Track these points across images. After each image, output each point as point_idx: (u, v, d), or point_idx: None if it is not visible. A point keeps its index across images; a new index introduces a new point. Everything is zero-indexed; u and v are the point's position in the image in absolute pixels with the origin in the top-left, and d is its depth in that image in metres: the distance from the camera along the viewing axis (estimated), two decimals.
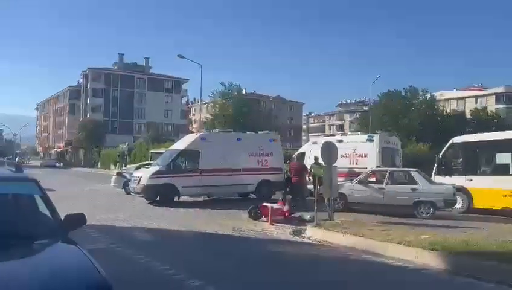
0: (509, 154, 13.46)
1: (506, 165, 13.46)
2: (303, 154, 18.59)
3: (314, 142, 18.80)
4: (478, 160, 14.67)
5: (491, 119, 51.91)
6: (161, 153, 19.42)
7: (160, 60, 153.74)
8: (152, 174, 15.03)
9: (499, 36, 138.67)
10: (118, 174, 20.10)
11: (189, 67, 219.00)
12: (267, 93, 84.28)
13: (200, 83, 54.36)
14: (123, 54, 79.27)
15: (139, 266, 6.69)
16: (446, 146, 15.22)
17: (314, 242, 8.94)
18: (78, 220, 3.85)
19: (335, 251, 8.14)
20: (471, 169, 14.12)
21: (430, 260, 7.05)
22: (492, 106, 68.64)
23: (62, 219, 3.82)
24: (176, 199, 15.24)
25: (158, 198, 15.05)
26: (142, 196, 15.40)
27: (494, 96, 75.03)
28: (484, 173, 14.06)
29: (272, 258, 7.81)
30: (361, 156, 16.14)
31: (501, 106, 71.27)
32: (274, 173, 16.62)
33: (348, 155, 16.12)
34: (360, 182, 13.59)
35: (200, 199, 16.70)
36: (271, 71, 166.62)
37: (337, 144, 15.70)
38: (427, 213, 12.57)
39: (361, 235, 8.59)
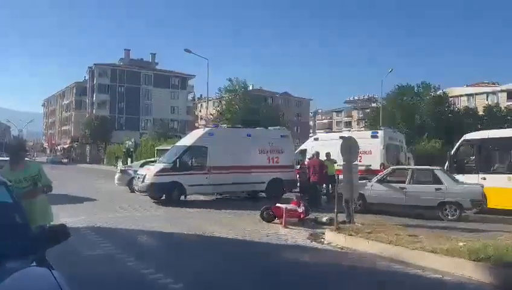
0: None
1: None
2: (304, 151, 18.15)
3: (316, 139, 18.03)
4: (492, 158, 14.10)
5: (505, 116, 50.40)
6: (167, 150, 18.60)
7: (166, 56, 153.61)
8: (157, 172, 14.20)
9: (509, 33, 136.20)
10: (122, 171, 19.30)
11: (196, 64, 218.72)
12: (274, 89, 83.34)
13: (206, 79, 53.03)
14: (129, 50, 78.94)
15: (139, 277, 5.86)
16: (458, 143, 14.65)
17: (335, 249, 8.04)
18: (58, 234, 2.99)
19: (360, 260, 7.23)
20: (484, 167, 13.37)
21: (472, 272, 6.14)
22: (504, 102, 67.05)
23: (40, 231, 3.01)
24: (182, 198, 14.43)
25: (163, 197, 14.23)
26: (147, 195, 14.59)
27: (506, 93, 73.44)
28: (499, 172, 13.30)
29: (290, 267, 6.91)
30: (366, 153, 15.06)
31: None
32: (285, 171, 15.71)
33: None
34: (379, 181, 12.67)
35: (207, 198, 15.89)
36: (278, 68, 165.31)
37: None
38: (453, 215, 11.66)
39: (388, 241, 7.68)
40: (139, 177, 14.64)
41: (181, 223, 10.48)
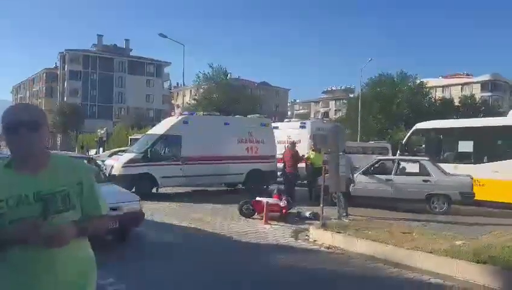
0: (471, 142, 13.10)
1: (469, 154, 12.97)
2: None
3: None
4: (441, 147, 14.18)
5: (479, 107, 51.17)
6: None
7: (141, 42, 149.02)
8: (126, 163, 13.10)
9: (481, 26, 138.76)
10: (90, 161, 17.98)
11: (171, 51, 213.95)
12: (252, 79, 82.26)
13: (182, 65, 51.37)
14: (102, 36, 75.98)
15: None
16: (410, 132, 15.05)
17: (322, 248, 7.26)
18: None
19: (351, 262, 6.47)
20: (433, 156, 13.07)
21: (476, 276, 5.47)
22: (478, 94, 68.15)
23: None
24: (154, 190, 13.41)
25: (133, 190, 13.16)
26: None
27: (480, 85, 74.74)
28: (446, 160, 13.18)
29: (270, 271, 6.09)
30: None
31: (487, 93, 70.99)
32: (265, 162, 14.85)
33: (283, 142, 16.23)
34: (364, 173, 11.98)
35: (182, 190, 14.90)
36: (256, 57, 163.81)
37: (274, 131, 16.25)
38: (441, 208, 11.10)
39: (380, 240, 6.95)
40: (106, 169, 13.51)
41: (150, 220, 9.50)
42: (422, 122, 15.38)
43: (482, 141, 12.88)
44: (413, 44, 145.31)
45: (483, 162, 12.61)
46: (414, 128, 14.97)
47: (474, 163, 12.66)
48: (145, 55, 76.93)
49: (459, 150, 13.57)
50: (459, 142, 13.60)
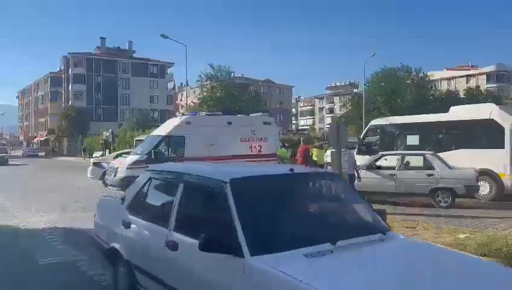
0: (418, 136, 13.98)
1: (416, 147, 13.42)
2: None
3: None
4: (392, 141, 14.92)
5: (485, 98, 50.72)
6: None
7: (144, 43, 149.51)
8: (130, 165, 13.14)
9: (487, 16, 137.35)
10: (95, 164, 18.14)
11: (175, 52, 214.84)
12: (256, 76, 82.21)
13: (185, 65, 51.40)
14: (105, 38, 76.25)
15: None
16: (367, 127, 15.95)
17: None
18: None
19: None
20: (386, 150, 13.60)
21: None
22: (483, 85, 67.58)
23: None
24: None
25: None
26: (120, 190, 13.56)
27: (485, 76, 74.15)
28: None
29: None
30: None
31: (492, 85, 70.42)
32: (269, 160, 14.84)
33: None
34: (368, 168, 11.96)
35: None
36: (260, 54, 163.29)
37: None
38: (446, 202, 11.06)
39: None
40: (111, 171, 13.59)
41: None
42: (376, 119, 16.90)
43: (427, 135, 14.03)
44: (418, 35, 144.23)
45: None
46: (369, 124, 15.93)
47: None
48: (149, 56, 77.18)
49: (407, 144, 14.22)
50: (407, 136, 14.48)
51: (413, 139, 14.07)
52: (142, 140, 22.14)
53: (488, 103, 14.71)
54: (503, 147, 11.94)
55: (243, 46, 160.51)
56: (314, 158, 12.98)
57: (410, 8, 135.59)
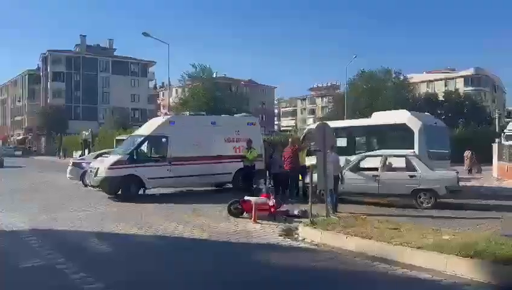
0: (345, 138, 15.18)
1: (343, 148, 14.16)
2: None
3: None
4: None
5: (463, 101, 51.98)
6: None
7: (125, 42, 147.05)
8: (111, 165, 12.91)
9: (465, 19, 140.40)
10: (74, 164, 17.76)
11: (156, 50, 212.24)
12: (238, 76, 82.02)
13: (167, 64, 50.96)
14: (85, 36, 74.81)
15: None
16: (303, 133, 17.01)
17: (311, 246, 7.26)
18: None
19: (341, 260, 6.47)
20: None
21: (466, 271, 5.51)
22: (461, 88, 69.10)
23: None
24: (141, 192, 13.27)
25: (120, 192, 13.01)
26: (101, 190, 13.31)
27: (463, 79, 75.79)
28: None
29: (260, 270, 6.06)
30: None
31: (470, 88, 71.96)
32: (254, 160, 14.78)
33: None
34: (351, 170, 12.03)
35: (169, 191, 14.79)
36: (242, 55, 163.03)
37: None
38: (428, 203, 11.22)
39: (369, 237, 6.99)
40: (91, 171, 13.31)
41: (139, 222, 9.40)
42: (312, 124, 18.52)
43: (354, 138, 15.49)
44: (396, 37, 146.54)
45: (354, 155, 13.81)
46: (306, 129, 17.25)
47: (347, 156, 13.72)
48: (130, 54, 76.15)
49: (337, 146, 14.96)
50: (337, 139, 15.02)
51: (341, 142, 14.86)
52: (123, 139, 21.81)
53: (402, 110, 16.06)
54: (413, 148, 13.22)
55: (227, 46, 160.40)
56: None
57: (393, 11, 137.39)
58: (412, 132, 13.70)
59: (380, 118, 15.24)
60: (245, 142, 14.63)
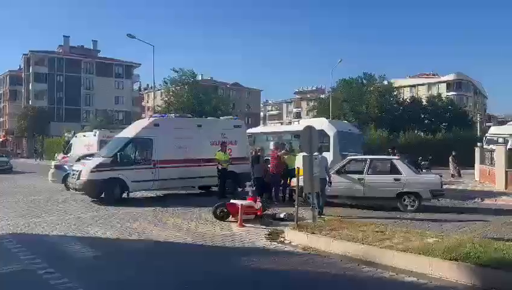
0: (272, 143, 16.40)
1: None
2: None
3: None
4: (262, 147, 16.23)
5: (446, 106, 52.74)
6: None
7: (109, 43, 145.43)
8: (94, 168, 12.66)
9: (447, 25, 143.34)
10: (57, 166, 17.40)
11: (141, 52, 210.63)
12: (224, 79, 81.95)
13: (152, 66, 50.49)
14: (69, 37, 73.69)
15: None
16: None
17: (297, 250, 7.23)
18: None
19: (326, 262, 6.45)
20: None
21: (449, 272, 5.56)
22: (443, 93, 70.25)
23: None
24: (124, 195, 13.05)
25: (103, 195, 12.77)
26: (84, 193, 13.05)
27: (446, 84, 77.11)
28: None
29: (246, 274, 6.00)
30: None
31: (452, 93, 73.21)
32: (239, 164, 14.70)
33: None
34: (337, 173, 12.06)
35: (153, 194, 14.60)
36: (228, 57, 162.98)
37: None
38: (412, 206, 11.32)
39: (354, 240, 6.99)
40: (74, 174, 13.05)
41: (122, 227, 9.23)
42: (251, 128, 20.57)
43: (282, 141, 16.21)
44: (381, 43, 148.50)
45: None
46: (247, 131, 18.37)
47: None
48: (114, 56, 75.28)
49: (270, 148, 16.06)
50: (270, 142, 16.98)
51: (272, 145, 16.06)
52: (106, 142, 21.46)
53: (321, 118, 18.47)
54: (329, 150, 15.34)
55: (214, 48, 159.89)
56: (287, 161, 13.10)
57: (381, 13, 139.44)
58: (328, 137, 16.17)
59: (302, 124, 15.80)
60: (231, 145, 14.57)
